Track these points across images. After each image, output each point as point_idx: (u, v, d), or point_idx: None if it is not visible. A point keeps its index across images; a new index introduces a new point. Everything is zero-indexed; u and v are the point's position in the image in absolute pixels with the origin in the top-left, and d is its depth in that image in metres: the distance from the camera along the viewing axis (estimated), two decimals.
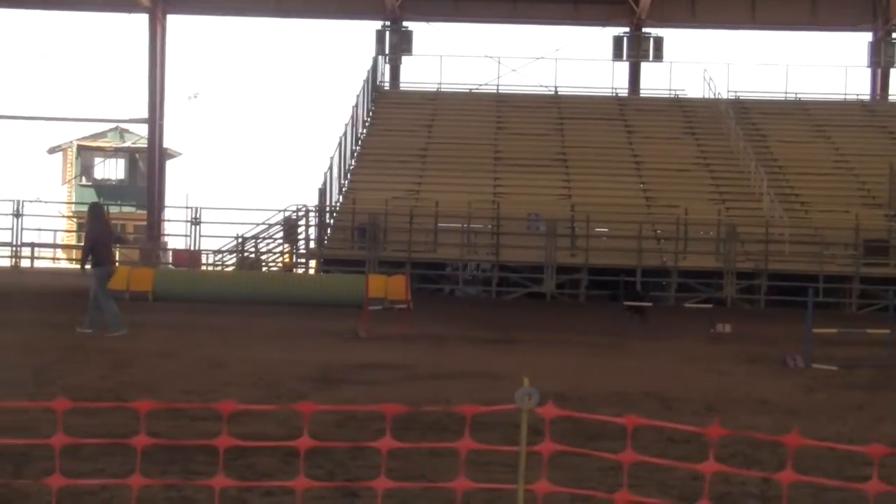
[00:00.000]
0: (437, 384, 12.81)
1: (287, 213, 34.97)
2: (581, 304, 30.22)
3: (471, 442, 3.80)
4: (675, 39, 64.98)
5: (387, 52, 43.18)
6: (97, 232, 18.04)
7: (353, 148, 37.92)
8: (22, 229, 37.92)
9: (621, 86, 44.21)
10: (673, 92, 44.03)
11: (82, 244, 18.90)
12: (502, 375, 13.75)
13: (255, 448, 4.08)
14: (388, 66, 43.93)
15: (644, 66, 43.98)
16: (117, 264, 19.43)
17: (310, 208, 33.65)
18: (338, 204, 34.55)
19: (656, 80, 45.42)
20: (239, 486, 4.92)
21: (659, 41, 43.35)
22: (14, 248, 37.93)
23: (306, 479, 3.05)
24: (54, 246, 47.08)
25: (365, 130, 39.75)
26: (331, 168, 33.94)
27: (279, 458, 7.23)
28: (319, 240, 33.32)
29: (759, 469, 7.66)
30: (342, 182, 35.69)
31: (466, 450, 3.70)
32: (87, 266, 17.82)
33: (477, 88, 43.67)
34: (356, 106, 39.09)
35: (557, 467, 5.93)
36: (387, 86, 43.90)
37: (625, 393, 12.33)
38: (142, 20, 42.09)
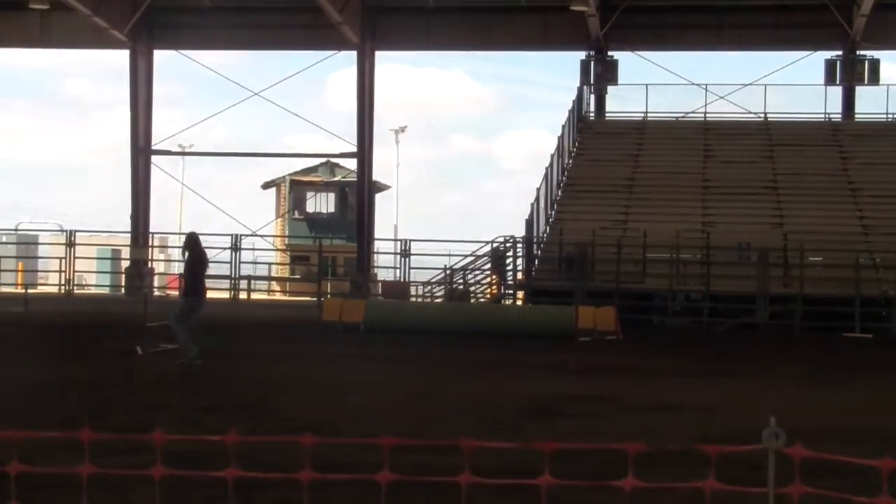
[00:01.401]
0: (650, 417, 12.64)
1: (494, 245, 35.13)
2: (796, 335, 29.37)
3: (715, 482, 3.71)
4: (894, 60, 62.77)
5: (591, 81, 43.04)
6: (193, 262, 18.03)
7: (560, 178, 37.87)
8: (239, 263, 39.19)
9: (834, 110, 42.96)
10: (891, 115, 42.49)
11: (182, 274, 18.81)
12: (717, 408, 13.49)
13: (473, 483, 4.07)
14: (593, 96, 43.80)
15: (859, 89, 42.61)
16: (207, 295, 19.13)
17: (517, 239, 33.73)
18: (545, 235, 34.54)
19: (872, 104, 43.90)
20: None
21: (875, 63, 41.91)
22: (232, 281, 39.21)
23: None
24: (269, 279, 48.50)
25: (571, 161, 39.66)
26: (537, 199, 33.95)
27: (497, 493, 7.21)
28: (527, 271, 33.35)
29: None
30: (549, 213, 35.66)
31: (710, 489, 3.60)
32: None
33: (683, 116, 43.09)
34: (562, 136, 39.04)
35: None
36: (592, 115, 43.77)
37: (844, 427, 11.89)
38: (350, 57, 43.10)
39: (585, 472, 3.76)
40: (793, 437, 10.76)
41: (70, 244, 39.94)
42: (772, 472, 4.04)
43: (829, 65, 42.12)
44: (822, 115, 42.81)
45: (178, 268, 40.89)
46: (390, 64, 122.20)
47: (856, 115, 42.99)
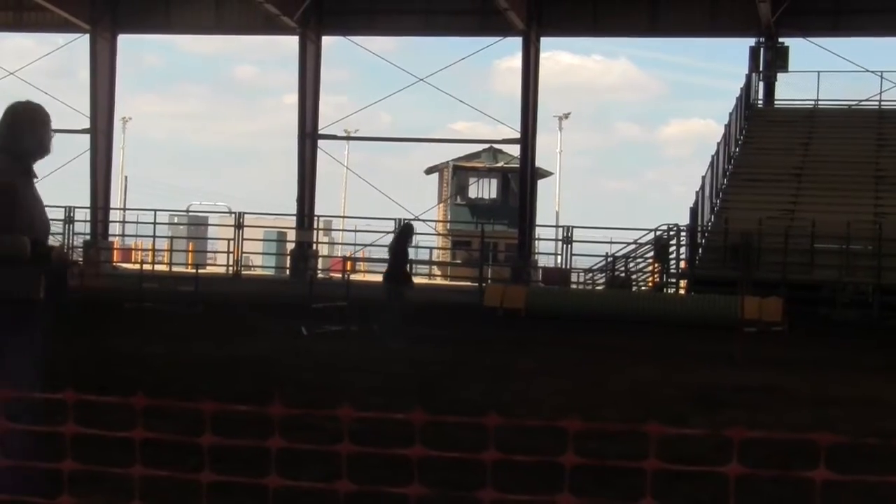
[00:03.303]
0: (819, 411, 12.36)
1: (658, 233, 34.73)
2: None
3: None
4: None
5: (761, 68, 42.15)
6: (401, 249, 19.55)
7: (726, 167, 37.24)
8: None
9: None
10: None
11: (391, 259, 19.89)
12: (891, 404, 13.12)
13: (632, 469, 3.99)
14: (761, 84, 42.87)
15: None
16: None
17: (681, 228, 33.32)
18: (709, 223, 34.04)
19: None
20: None
21: None
22: None
23: None
24: (430, 263, 48.89)
25: (738, 149, 38.95)
26: (703, 187, 33.47)
27: (671, 480, 7.11)
28: (691, 260, 32.92)
29: None
30: (714, 201, 35.12)
31: None
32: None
33: (857, 104, 41.88)
34: (729, 124, 38.38)
35: None
36: (761, 103, 42.85)
37: None
38: (515, 43, 43.05)
39: (760, 463, 3.69)
40: None
41: (238, 226, 40.84)
42: None
43: None
44: None
45: (342, 251, 41.55)
46: (555, 50, 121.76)
47: None
